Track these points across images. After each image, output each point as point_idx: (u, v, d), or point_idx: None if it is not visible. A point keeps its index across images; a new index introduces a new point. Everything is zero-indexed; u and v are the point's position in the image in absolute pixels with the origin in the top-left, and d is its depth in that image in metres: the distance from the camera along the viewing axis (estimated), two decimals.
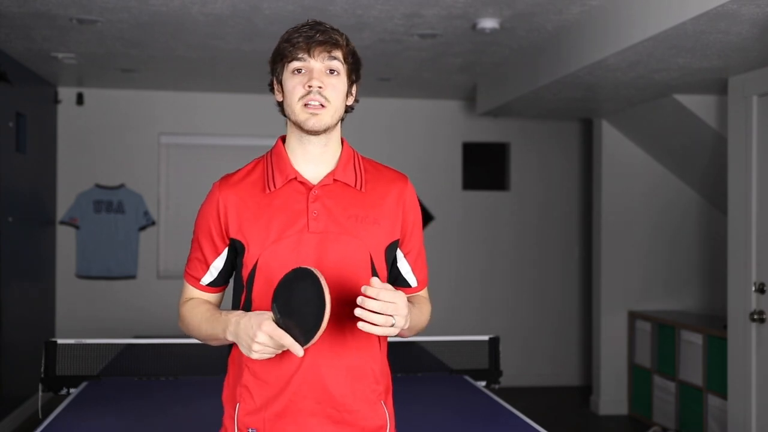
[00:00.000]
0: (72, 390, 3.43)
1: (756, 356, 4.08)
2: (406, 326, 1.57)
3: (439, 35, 4.27)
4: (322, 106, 1.61)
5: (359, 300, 1.47)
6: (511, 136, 6.66)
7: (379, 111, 6.49)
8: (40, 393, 3.38)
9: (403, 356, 4.02)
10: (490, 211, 6.64)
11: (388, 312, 1.48)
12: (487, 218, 6.64)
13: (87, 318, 6.11)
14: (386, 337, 1.67)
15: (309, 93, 1.61)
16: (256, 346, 1.50)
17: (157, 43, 4.54)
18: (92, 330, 5.87)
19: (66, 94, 6.15)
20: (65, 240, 6.17)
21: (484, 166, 6.83)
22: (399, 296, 1.51)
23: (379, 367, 1.71)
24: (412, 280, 1.79)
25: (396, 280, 1.78)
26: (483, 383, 3.68)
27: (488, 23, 3.96)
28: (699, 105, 4.74)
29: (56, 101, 6.09)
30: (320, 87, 1.61)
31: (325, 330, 1.60)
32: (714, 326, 4.85)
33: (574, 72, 4.07)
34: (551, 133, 6.69)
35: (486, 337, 3.77)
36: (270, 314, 1.52)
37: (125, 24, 4.11)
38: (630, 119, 5.47)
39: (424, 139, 6.56)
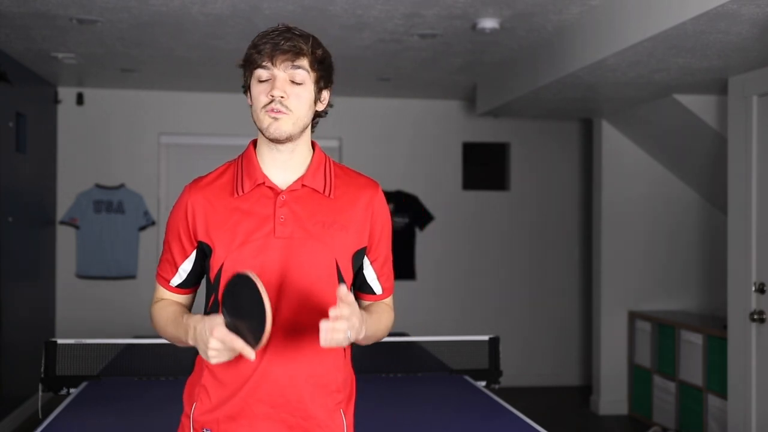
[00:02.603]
0: (72, 390, 3.43)
1: (756, 356, 4.08)
2: (362, 336, 1.59)
3: (439, 35, 4.27)
4: (283, 113, 1.61)
5: (328, 324, 1.47)
6: (511, 136, 6.66)
7: (379, 111, 6.49)
8: (40, 393, 3.38)
9: (403, 356, 4.02)
10: (490, 211, 6.64)
11: (345, 328, 1.49)
12: (488, 218, 6.63)
13: (87, 318, 6.11)
14: (350, 345, 1.68)
15: (271, 102, 1.61)
16: (210, 352, 1.51)
17: (157, 43, 4.54)
18: (92, 330, 5.87)
19: (66, 94, 6.15)
20: (65, 240, 6.17)
21: (484, 166, 6.83)
22: (353, 312, 1.51)
23: (342, 375, 1.71)
24: (377, 288, 1.79)
25: (361, 286, 1.79)
26: (483, 383, 3.68)
27: (488, 23, 3.96)
28: (699, 105, 4.74)
29: (56, 101, 6.09)
30: (282, 97, 1.61)
31: (287, 335, 1.62)
32: (714, 326, 4.85)
33: (574, 72, 4.07)
34: (551, 133, 6.69)
35: (486, 337, 3.77)
36: (222, 318, 1.52)
37: (125, 24, 4.11)
38: (630, 119, 5.47)
39: (424, 139, 6.56)
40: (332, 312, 1.48)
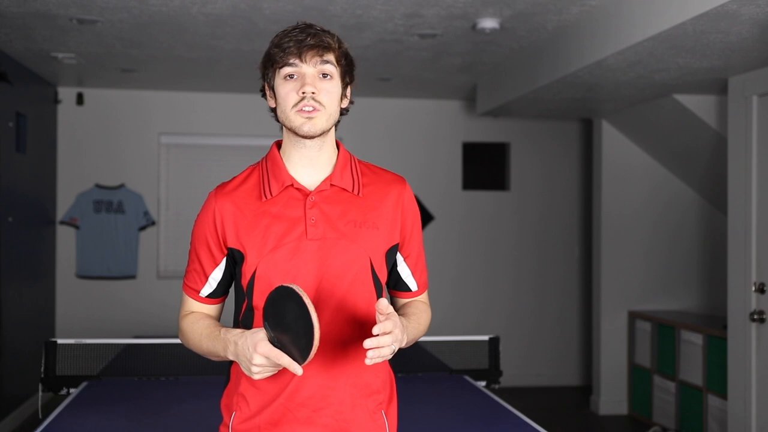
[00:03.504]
0: (72, 390, 3.43)
1: (756, 356, 4.08)
2: (403, 345, 1.57)
3: (439, 35, 4.27)
4: (316, 110, 1.59)
5: (373, 342, 1.46)
6: (511, 136, 6.66)
7: (379, 111, 6.49)
8: (40, 393, 3.38)
9: (403, 356, 4.01)
10: (490, 211, 6.64)
11: (390, 343, 1.47)
12: (487, 218, 6.64)
13: (87, 318, 6.11)
14: None
15: (303, 99, 1.58)
16: (254, 368, 1.47)
17: (157, 43, 4.54)
18: (92, 330, 5.87)
19: (66, 94, 6.15)
20: (65, 240, 6.17)
21: (484, 166, 6.83)
22: (395, 324, 1.49)
23: (381, 376, 1.69)
24: (412, 284, 1.77)
25: (396, 284, 1.76)
26: (483, 383, 3.68)
27: (488, 23, 3.96)
28: (699, 105, 4.74)
29: (56, 101, 6.09)
30: (314, 93, 1.58)
31: (327, 339, 1.59)
32: (714, 326, 4.85)
33: (574, 72, 4.07)
34: (551, 133, 6.69)
35: (486, 337, 3.77)
36: (264, 333, 1.48)
37: (125, 24, 4.11)
38: (630, 119, 5.47)
39: (424, 139, 6.56)
40: (376, 329, 1.45)
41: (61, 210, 6.17)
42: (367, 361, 1.45)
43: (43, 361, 3.38)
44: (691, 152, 5.31)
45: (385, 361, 1.71)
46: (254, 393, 1.63)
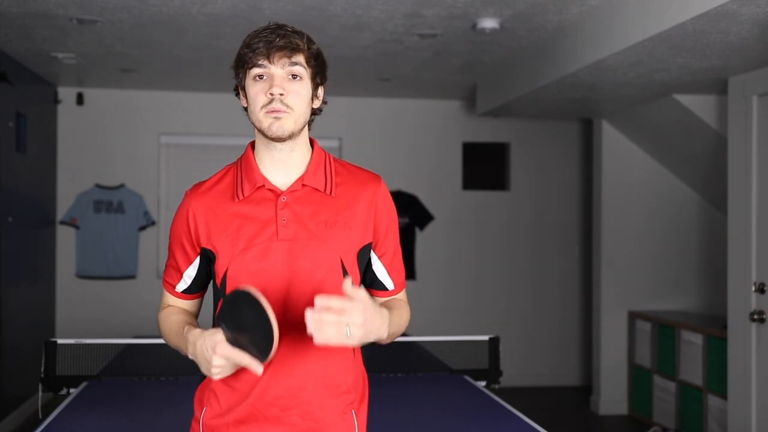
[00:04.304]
0: (72, 390, 3.43)
1: (756, 356, 4.08)
2: (384, 335, 1.54)
3: (439, 35, 4.27)
4: (284, 112, 1.59)
5: (311, 310, 1.41)
6: (511, 136, 6.66)
7: (379, 111, 6.49)
8: (40, 393, 3.38)
9: (403, 356, 4.03)
10: (490, 211, 6.64)
11: (340, 321, 1.42)
12: (487, 218, 6.63)
13: (87, 318, 6.11)
14: (359, 346, 1.61)
15: (271, 101, 1.58)
16: (214, 369, 1.48)
17: (157, 43, 4.54)
18: (92, 330, 5.87)
19: (66, 94, 6.15)
20: (65, 240, 6.17)
21: (484, 166, 6.83)
22: (354, 308, 1.43)
23: (352, 376, 1.68)
24: (388, 283, 1.76)
25: (372, 283, 1.76)
26: (483, 383, 3.68)
27: (488, 23, 3.96)
28: (699, 105, 4.74)
29: (56, 101, 6.09)
30: (282, 94, 1.58)
31: (295, 338, 1.59)
32: (714, 326, 4.85)
33: (574, 72, 4.07)
34: (551, 133, 6.69)
35: (486, 337, 3.77)
36: (222, 334, 1.48)
37: (125, 24, 4.11)
38: (630, 119, 5.47)
39: (424, 139, 6.56)
40: (319, 301, 1.41)
41: (61, 210, 6.16)
42: (316, 340, 1.40)
43: (43, 361, 3.38)
44: (691, 152, 5.31)
45: (357, 361, 1.71)
46: (224, 390, 1.64)
